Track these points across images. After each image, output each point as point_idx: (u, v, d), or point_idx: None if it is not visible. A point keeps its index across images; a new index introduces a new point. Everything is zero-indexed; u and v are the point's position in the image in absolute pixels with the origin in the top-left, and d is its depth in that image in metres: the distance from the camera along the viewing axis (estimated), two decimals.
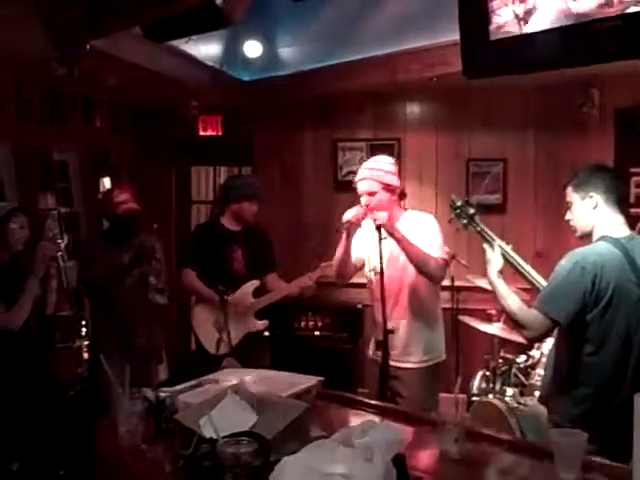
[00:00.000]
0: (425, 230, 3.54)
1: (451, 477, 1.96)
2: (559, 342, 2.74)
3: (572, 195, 2.72)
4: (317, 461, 1.68)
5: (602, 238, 2.62)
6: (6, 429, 3.64)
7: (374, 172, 3.58)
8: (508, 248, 2.98)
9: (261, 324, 4.50)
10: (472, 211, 3.20)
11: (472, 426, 2.17)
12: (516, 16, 2.47)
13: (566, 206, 2.77)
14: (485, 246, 2.96)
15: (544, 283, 2.80)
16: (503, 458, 2.06)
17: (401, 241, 3.37)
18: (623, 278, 2.51)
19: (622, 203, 2.70)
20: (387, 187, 3.56)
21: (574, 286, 2.51)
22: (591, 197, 2.65)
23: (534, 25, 2.46)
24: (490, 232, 3.07)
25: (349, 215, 3.50)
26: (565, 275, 2.55)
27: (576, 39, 2.37)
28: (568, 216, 2.77)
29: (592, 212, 2.66)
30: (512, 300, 2.69)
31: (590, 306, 2.50)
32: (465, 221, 3.21)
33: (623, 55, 2.29)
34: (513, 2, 2.46)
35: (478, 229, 3.13)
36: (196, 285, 4.39)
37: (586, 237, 2.72)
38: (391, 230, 3.35)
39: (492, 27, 2.54)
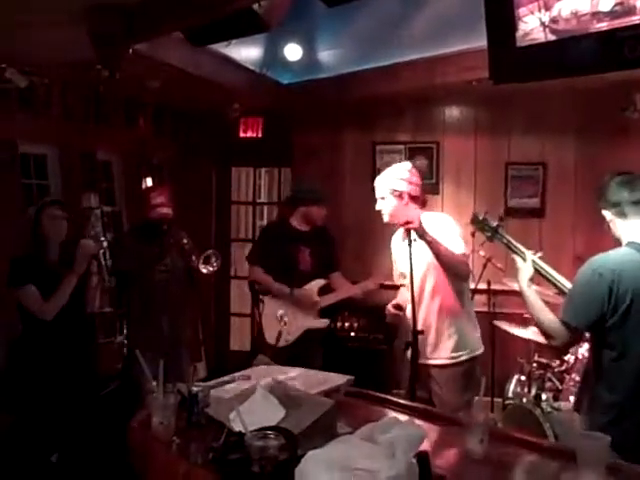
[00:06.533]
0: (442, 228, 3.57)
1: (474, 477, 1.98)
2: (590, 349, 2.74)
3: (602, 210, 2.71)
4: (341, 456, 1.72)
5: (628, 243, 2.60)
6: (48, 421, 3.75)
7: (384, 178, 3.70)
8: (536, 257, 2.95)
9: (322, 322, 4.67)
10: (495, 224, 3.15)
11: (499, 428, 2.18)
12: (542, 23, 2.49)
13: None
14: (514, 256, 2.96)
15: None
16: (527, 459, 2.07)
17: (431, 243, 3.41)
18: None
19: None
20: (394, 192, 3.64)
21: (591, 293, 2.50)
22: (617, 209, 2.64)
23: (559, 33, 2.48)
24: (516, 242, 3.04)
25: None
26: (583, 282, 2.55)
27: (600, 46, 2.39)
28: (607, 228, 2.75)
29: (622, 223, 2.65)
30: (540, 309, 2.69)
31: (609, 313, 2.48)
32: (489, 234, 3.19)
33: None
34: (539, 10, 2.48)
35: (504, 241, 3.10)
36: (265, 279, 4.58)
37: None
38: (422, 233, 3.38)
39: (518, 34, 2.57)
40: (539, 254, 2.97)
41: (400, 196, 3.64)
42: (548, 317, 2.64)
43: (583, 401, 2.76)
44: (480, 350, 3.74)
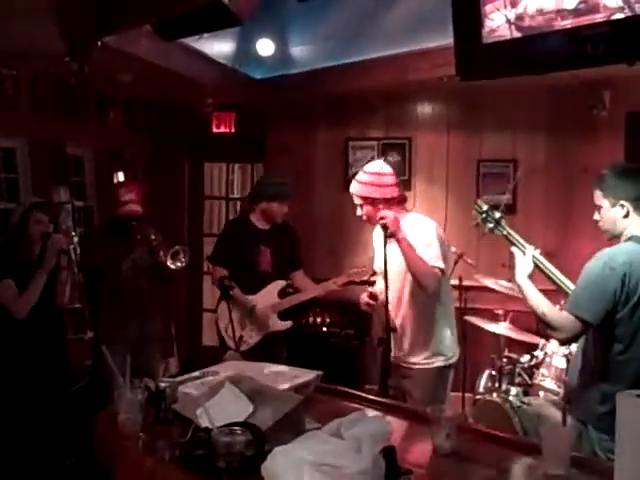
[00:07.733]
0: (423, 237, 3.48)
1: (440, 471, 1.98)
2: (588, 341, 2.71)
3: (601, 199, 2.67)
4: (307, 451, 1.72)
5: (631, 238, 2.60)
6: (17, 418, 3.71)
7: (356, 185, 3.62)
8: (536, 253, 2.88)
9: (284, 324, 4.57)
10: (498, 215, 3.07)
11: (467, 423, 2.19)
12: (508, 20, 2.52)
13: (594, 207, 2.72)
14: (513, 249, 2.89)
15: (571, 285, 2.76)
16: (494, 454, 2.08)
17: (402, 243, 3.36)
18: None
19: None
20: (365, 199, 3.58)
21: (603, 286, 2.50)
22: (622, 206, 2.61)
23: (525, 30, 2.51)
24: (517, 235, 2.98)
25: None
26: (594, 276, 2.54)
27: (564, 44, 2.42)
28: (596, 217, 2.73)
29: (622, 220, 2.63)
30: (542, 303, 2.66)
31: (620, 305, 2.49)
32: (491, 225, 3.12)
33: (609, 59, 2.33)
34: (505, 7, 2.51)
35: (504, 233, 3.02)
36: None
37: (615, 239, 2.69)
38: (394, 230, 3.36)
39: (485, 31, 2.60)
40: (538, 250, 2.91)
41: (372, 203, 3.55)
42: (554, 310, 2.63)
43: (578, 392, 2.75)
44: (455, 358, 3.65)
